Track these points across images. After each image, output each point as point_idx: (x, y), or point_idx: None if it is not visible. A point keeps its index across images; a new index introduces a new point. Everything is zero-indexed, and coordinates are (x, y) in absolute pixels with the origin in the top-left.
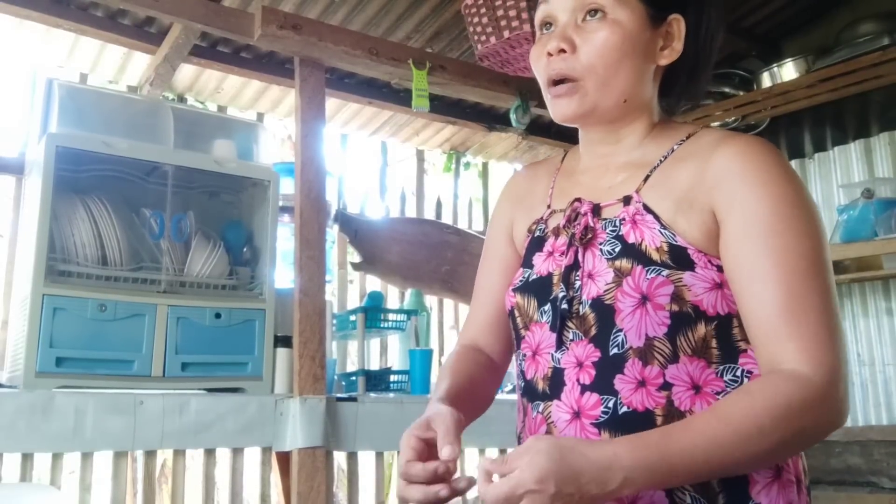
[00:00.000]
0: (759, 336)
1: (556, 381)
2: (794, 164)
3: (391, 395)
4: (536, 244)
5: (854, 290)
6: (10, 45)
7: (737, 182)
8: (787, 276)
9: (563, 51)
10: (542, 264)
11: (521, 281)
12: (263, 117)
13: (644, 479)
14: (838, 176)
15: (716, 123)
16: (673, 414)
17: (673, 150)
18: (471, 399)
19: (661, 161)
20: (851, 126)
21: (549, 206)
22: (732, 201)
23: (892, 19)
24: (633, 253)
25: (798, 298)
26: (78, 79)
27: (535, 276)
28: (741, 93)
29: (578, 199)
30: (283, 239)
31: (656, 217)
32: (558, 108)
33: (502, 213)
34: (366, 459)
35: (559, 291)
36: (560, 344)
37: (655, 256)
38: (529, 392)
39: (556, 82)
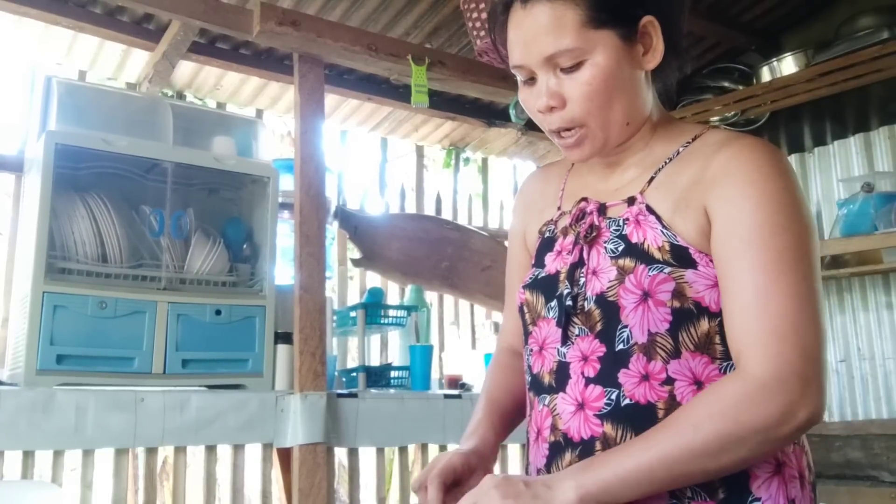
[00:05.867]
0: (728, 331)
1: (562, 374)
2: (793, 158)
3: (392, 391)
4: (547, 244)
5: (854, 284)
6: (8, 43)
7: (729, 181)
8: (758, 271)
9: (553, 107)
10: (552, 263)
11: (531, 278)
12: (262, 114)
13: (588, 489)
14: (838, 170)
15: (715, 118)
16: (674, 407)
17: (678, 152)
18: (512, 409)
19: (666, 163)
20: (851, 120)
21: (559, 208)
22: (722, 198)
23: (892, 13)
24: (636, 252)
25: (765, 294)
26: (77, 76)
27: (543, 274)
28: (740, 87)
29: (585, 199)
30: (283, 235)
31: (658, 218)
32: (571, 155)
33: (515, 220)
34: (367, 455)
35: (564, 288)
36: (566, 339)
37: (658, 255)
38: (536, 386)
39: (559, 131)
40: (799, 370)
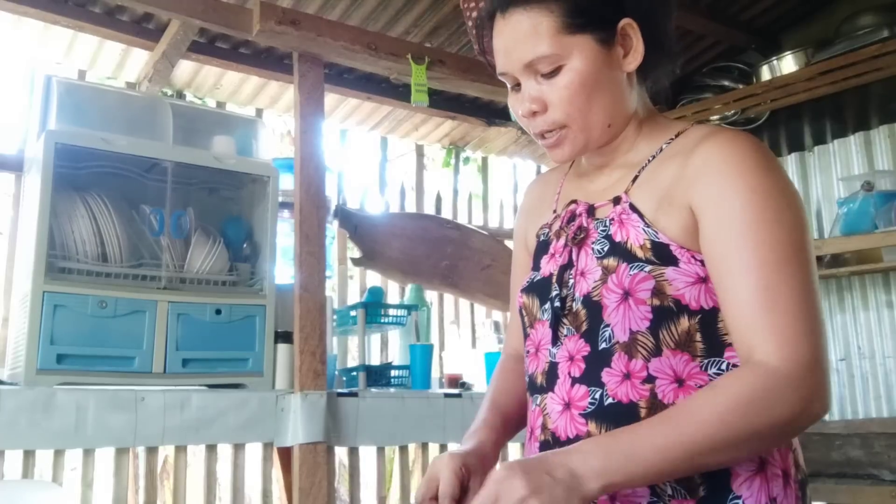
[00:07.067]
0: (733, 328)
1: (552, 374)
2: (793, 157)
3: (392, 390)
4: (543, 247)
5: (854, 282)
6: (8, 42)
7: (713, 176)
8: (759, 267)
9: (535, 111)
10: (546, 266)
11: (528, 282)
12: (262, 113)
13: (612, 479)
14: (838, 169)
15: (715, 117)
16: (657, 406)
17: (661, 150)
18: (515, 412)
19: (649, 161)
20: (851, 119)
21: (554, 212)
22: (709, 195)
23: (892, 12)
24: (619, 251)
25: (771, 288)
26: (76, 75)
27: (539, 277)
28: (740, 86)
29: (575, 201)
30: (283, 235)
31: (641, 216)
32: (554, 156)
33: (518, 226)
34: (367, 455)
35: (554, 290)
36: (556, 339)
37: (640, 254)
38: (531, 386)
39: (542, 133)
40: (813, 363)
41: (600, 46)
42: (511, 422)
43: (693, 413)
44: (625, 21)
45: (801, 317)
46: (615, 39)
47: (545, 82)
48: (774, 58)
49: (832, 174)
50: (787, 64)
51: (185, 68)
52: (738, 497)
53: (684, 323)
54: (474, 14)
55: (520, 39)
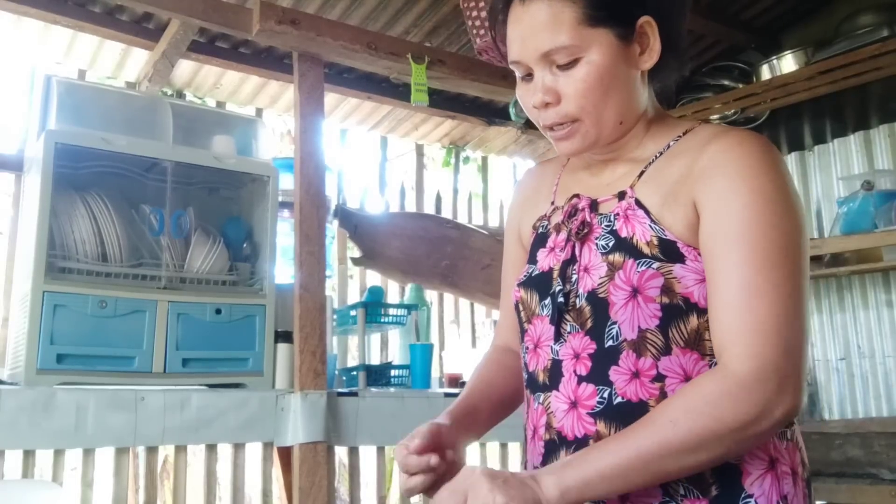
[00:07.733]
0: (712, 326)
1: (555, 372)
2: (793, 156)
3: (392, 389)
4: (540, 240)
5: (854, 282)
6: (8, 42)
7: (718, 175)
8: (743, 268)
9: (548, 103)
10: (545, 260)
11: (525, 276)
12: (262, 112)
13: (573, 480)
14: (838, 168)
15: (715, 116)
16: None
17: (669, 147)
18: (487, 405)
19: (656, 157)
20: (851, 118)
21: (552, 203)
22: (711, 193)
23: (892, 11)
24: (626, 247)
25: (753, 291)
26: (76, 75)
27: (537, 272)
28: (740, 85)
29: (577, 195)
30: (283, 234)
31: (647, 212)
32: (562, 149)
33: (511, 217)
34: (367, 454)
35: (557, 285)
36: (558, 336)
37: (646, 250)
38: (531, 384)
39: (552, 126)
40: (778, 368)
41: (619, 42)
42: (485, 412)
43: (649, 419)
44: (644, 18)
45: (776, 322)
46: (633, 36)
47: (561, 74)
48: (774, 57)
49: (832, 173)
50: (787, 63)
51: (185, 68)
52: (751, 496)
53: (693, 321)
54: (474, 13)
55: (538, 28)
